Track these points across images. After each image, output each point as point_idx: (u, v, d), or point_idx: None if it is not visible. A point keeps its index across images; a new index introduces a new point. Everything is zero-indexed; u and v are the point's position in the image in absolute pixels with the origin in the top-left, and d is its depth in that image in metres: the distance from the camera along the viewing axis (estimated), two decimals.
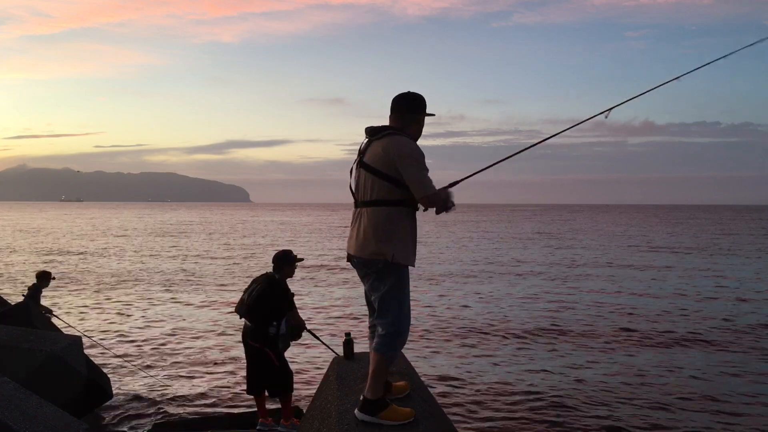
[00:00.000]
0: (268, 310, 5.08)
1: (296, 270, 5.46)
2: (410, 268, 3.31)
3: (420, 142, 3.39)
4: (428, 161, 3.27)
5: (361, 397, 3.30)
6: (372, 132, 3.34)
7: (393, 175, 3.19)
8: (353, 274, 19.35)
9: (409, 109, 3.37)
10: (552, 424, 6.41)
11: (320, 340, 5.68)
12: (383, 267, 3.21)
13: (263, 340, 5.10)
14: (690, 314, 12.69)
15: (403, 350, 3.48)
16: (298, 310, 5.38)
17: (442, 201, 3.24)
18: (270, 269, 5.34)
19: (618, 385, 7.71)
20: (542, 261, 24.61)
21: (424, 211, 3.33)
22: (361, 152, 3.38)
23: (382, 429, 3.14)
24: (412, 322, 3.42)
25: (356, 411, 3.28)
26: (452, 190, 3.30)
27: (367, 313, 3.55)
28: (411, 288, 3.36)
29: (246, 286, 5.36)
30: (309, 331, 5.39)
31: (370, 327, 3.51)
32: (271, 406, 5.67)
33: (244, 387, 7.29)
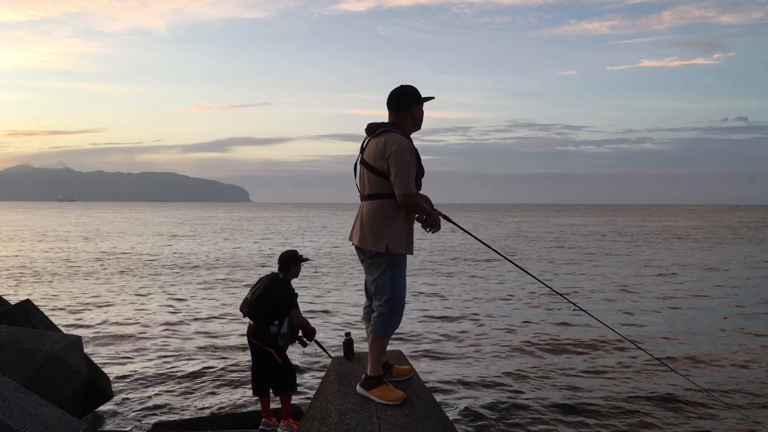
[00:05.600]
0: (270, 309, 5.10)
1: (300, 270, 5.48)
2: (408, 256, 3.54)
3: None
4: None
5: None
6: (370, 130, 3.52)
7: (385, 170, 3.39)
8: (352, 274, 19.41)
9: (400, 105, 3.54)
10: (555, 423, 6.42)
11: (320, 346, 5.68)
12: (376, 255, 3.45)
13: (266, 339, 5.12)
14: None
15: (404, 351, 3.56)
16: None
17: (420, 207, 3.45)
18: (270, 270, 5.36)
19: (638, 390, 7.72)
20: None
21: (410, 211, 3.49)
22: (362, 149, 3.58)
23: (381, 427, 3.15)
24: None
25: (357, 385, 3.56)
26: (441, 219, 3.57)
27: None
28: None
29: (251, 286, 5.38)
30: (316, 341, 5.41)
31: (364, 308, 3.78)
32: (274, 406, 5.67)
33: (245, 386, 7.33)
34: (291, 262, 5.28)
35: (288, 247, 5.83)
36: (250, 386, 5.63)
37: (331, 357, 4.83)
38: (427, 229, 3.56)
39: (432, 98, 3.64)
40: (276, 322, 5.10)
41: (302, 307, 5.44)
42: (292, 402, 5.45)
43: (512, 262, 4.29)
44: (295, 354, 7.75)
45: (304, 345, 5.36)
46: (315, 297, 14.83)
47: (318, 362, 8.51)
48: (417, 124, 3.59)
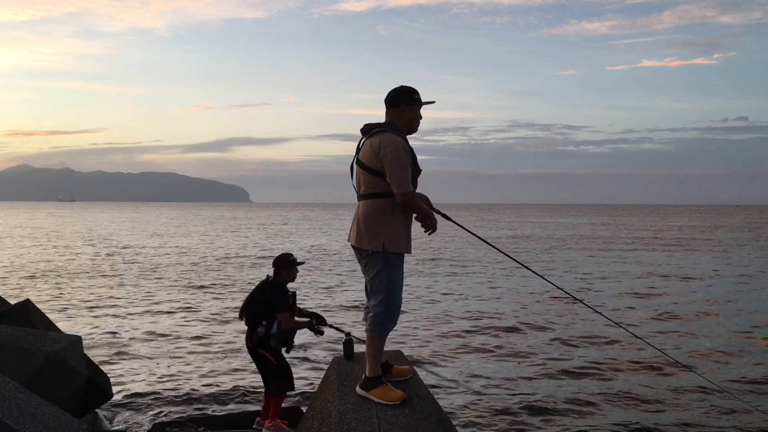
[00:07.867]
0: (256, 312, 5.12)
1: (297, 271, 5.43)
2: (406, 255, 3.56)
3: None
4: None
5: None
6: (365, 131, 3.57)
7: (379, 169, 3.42)
8: (352, 274, 19.40)
9: (391, 103, 3.59)
10: (557, 422, 6.42)
11: (334, 327, 5.62)
12: (372, 254, 3.47)
13: (256, 341, 5.14)
14: None
15: (404, 350, 3.56)
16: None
17: (418, 207, 3.46)
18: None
19: (639, 387, 7.72)
20: None
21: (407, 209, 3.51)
22: (358, 150, 3.62)
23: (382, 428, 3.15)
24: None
25: (357, 386, 3.57)
26: (439, 217, 3.61)
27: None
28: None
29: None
30: (330, 325, 5.41)
31: (365, 309, 3.76)
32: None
33: (245, 387, 7.34)
34: (281, 265, 5.22)
35: (288, 248, 5.76)
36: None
37: (345, 334, 4.76)
38: (425, 231, 3.57)
39: (432, 102, 3.66)
40: (264, 323, 5.07)
41: (302, 308, 5.42)
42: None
43: (514, 260, 4.29)
44: (295, 354, 7.75)
45: (320, 334, 5.35)
46: (315, 297, 14.84)
47: (318, 362, 8.52)
48: (409, 126, 3.58)
